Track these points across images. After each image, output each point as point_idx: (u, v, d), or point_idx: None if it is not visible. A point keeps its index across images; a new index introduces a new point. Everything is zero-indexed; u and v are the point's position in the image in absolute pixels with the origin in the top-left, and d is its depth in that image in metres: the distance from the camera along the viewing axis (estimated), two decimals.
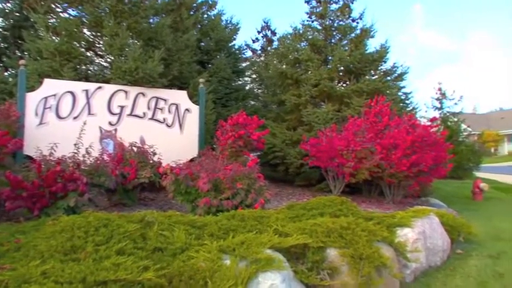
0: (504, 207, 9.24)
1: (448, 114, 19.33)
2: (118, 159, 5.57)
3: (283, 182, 9.19)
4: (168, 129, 7.11)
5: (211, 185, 4.58)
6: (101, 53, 7.70)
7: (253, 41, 21.67)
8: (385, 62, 9.69)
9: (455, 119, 19.00)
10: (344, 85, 9.44)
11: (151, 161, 5.88)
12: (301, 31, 10.00)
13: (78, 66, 7.22)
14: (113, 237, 2.87)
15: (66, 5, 7.58)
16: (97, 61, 7.76)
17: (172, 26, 8.34)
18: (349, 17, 9.88)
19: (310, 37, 9.78)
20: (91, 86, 6.75)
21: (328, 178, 7.44)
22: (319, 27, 9.93)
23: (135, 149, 5.97)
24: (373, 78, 9.24)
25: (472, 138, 25.42)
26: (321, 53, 9.49)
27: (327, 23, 9.81)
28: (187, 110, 7.25)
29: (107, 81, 7.00)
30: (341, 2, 9.88)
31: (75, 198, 4.30)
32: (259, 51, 20.59)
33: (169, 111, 7.16)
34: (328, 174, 7.39)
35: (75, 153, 5.01)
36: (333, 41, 9.82)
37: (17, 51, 8.41)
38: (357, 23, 9.91)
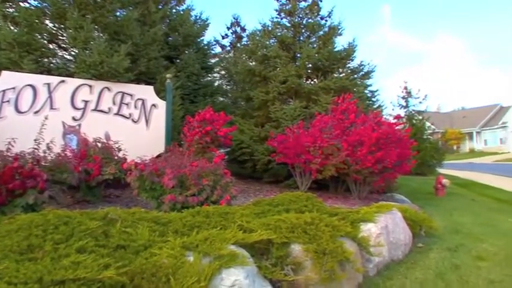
0: (464, 202, 9.63)
1: (413, 112, 19.94)
2: (81, 155, 5.42)
3: (251, 178, 9.20)
4: (134, 125, 6.98)
5: (177, 181, 4.52)
6: (64, 46, 7.43)
7: (223, 37, 21.63)
8: (352, 60, 9.86)
9: (420, 117, 19.61)
10: (312, 82, 9.52)
11: (116, 157, 5.74)
12: (270, 28, 10.03)
13: (39, 59, 6.94)
14: (74, 235, 2.79)
15: None
16: (60, 54, 7.49)
17: (139, 20, 8.16)
18: (318, 14, 9.98)
19: (279, 34, 9.81)
20: (53, 79, 6.52)
21: (295, 174, 7.50)
22: (288, 25, 9.97)
23: (99, 144, 5.82)
24: (341, 76, 9.39)
25: (435, 136, 26.29)
26: (290, 50, 9.55)
27: (296, 20, 9.86)
28: (154, 105, 7.13)
29: (71, 75, 6.77)
30: (310, 0, 9.94)
31: (35, 195, 4.14)
32: (229, 48, 20.53)
33: (135, 107, 7.02)
34: (296, 171, 7.46)
35: (35, 149, 4.80)
36: (301, 38, 9.89)
37: None
38: (326, 21, 10.04)
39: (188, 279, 2.43)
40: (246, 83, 10.39)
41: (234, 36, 21.52)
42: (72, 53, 7.29)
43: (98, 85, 6.77)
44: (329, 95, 8.62)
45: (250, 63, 10.03)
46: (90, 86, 6.71)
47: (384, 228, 4.53)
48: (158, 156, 6.35)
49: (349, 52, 9.62)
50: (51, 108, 6.40)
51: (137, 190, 4.77)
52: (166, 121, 7.09)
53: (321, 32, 9.86)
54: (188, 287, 2.41)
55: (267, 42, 9.77)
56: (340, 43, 10.19)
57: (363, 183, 7.44)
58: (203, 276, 2.47)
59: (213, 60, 12.33)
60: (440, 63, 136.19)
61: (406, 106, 20.03)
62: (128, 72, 7.05)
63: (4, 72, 6.21)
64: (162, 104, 7.17)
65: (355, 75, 9.69)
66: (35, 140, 4.89)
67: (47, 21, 7.19)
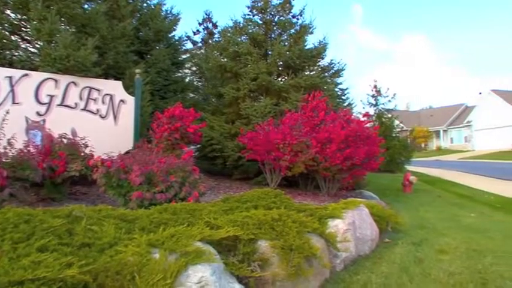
0: (430, 199, 9.93)
1: (382, 110, 20.32)
2: (46, 152, 5.25)
3: (222, 175, 9.18)
4: (101, 121, 6.82)
5: (144, 178, 4.46)
6: (28, 38, 7.17)
7: (194, 33, 21.47)
8: (323, 58, 9.99)
9: (389, 116, 20.02)
10: (283, 80, 9.58)
11: (82, 154, 5.60)
12: (242, 25, 10.01)
13: (1, 51, 6.69)
14: (35, 233, 2.69)
15: None
16: (23, 46, 7.22)
17: (108, 13, 7.95)
18: (290, 13, 10.04)
19: (250, 31, 9.81)
20: (16, 72, 6.27)
21: (266, 171, 7.53)
22: (260, 22, 9.99)
23: (65, 140, 5.65)
24: (311, 73, 9.49)
25: (404, 134, 26.92)
26: (261, 47, 9.56)
27: (268, 17, 9.89)
28: (122, 101, 6.99)
29: (35, 69, 6.54)
30: None
31: None
32: (200, 44, 20.36)
33: (103, 102, 6.86)
34: (265, 168, 7.49)
35: None
36: (273, 35, 9.93)
37: None
38: (297, 19, 10.11)
39: (154, 277, 2.40)
40: (217, 79, 10.34)
41: (205, 32, 21.37)
42: (37, 45, 7.05)
43: (64, 79, 6.56)
44: (299, 92, 8.68)
45: (222, 60, 9.98)
46: (55, 80, 6.50)
47: (351, 224, 4.61)
48: (127, 152, 6.23)
49: (319, 50, 9.72)
50: (14, 102, 6.15)
51: (104, 187, 4.68)
52: (135, 117, 6.95)
53: (293, 30, 9.92)
54: (154, 284, 2.38)
55: (239, 39, 9.74)
56: (311, 41, 10.27)
57: (332, 180, 7.55)
58: (169, 274, 2.45)
59: (184, 56, 12.20)
60: (410, 62, 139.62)
61: (376, 104, 20.40)
62: (95, 66, 6.86)
63: None
64: (130, 100, 7.02)
65: (326, 73, 9.82)
66: None
67: (9, 11, 6.91)
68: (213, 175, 8.97)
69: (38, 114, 6.33)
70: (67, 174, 5.22)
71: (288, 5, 9.95)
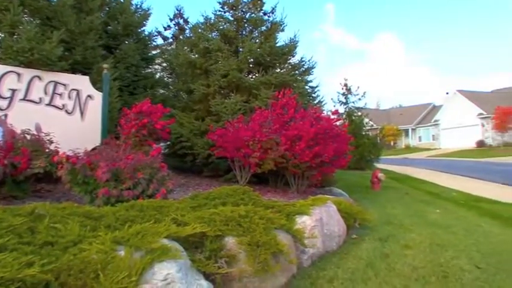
0: (397, 195, 10.17)
1: (352, 108, 20.64)
2: (7, 148, 5.06)
3: (191, 172, 9.12)
4: (67, 117, 6.64)
5: (111, 175, 4.39)
6: None
7: (165, 29, 21.24)
8: (293, 56, 10.04)
9: (359, 114, 20.36)
10: (253, 77, 9.57)
11: (47, 150, 5.44)
12: (212, 21, 9.95)
13: None
14: None
15: None
16: None
17: (75, 6, 7.73)
18: (261, 10, 10.05)
19: (221, 27, 9.76)
20: None
21: (235, 168, 7.53)
22: (231, 18, 9.95)
23: (28, 136, 5.48)
24: (282, 71, 9.51)
25: (374, 132, 27.46)
26: (232, 44, 9.54)
27: (239, 14, 9.86)
28: (89, 96, 6.82)
29: None
30: None
31: None
32: (171, 39, 20.14)
33: (69, 97, 6.68)
34: (235, 165, 7.49)
35: None
36: (244, 32, 9.92)
37: None
38: (269, 16, 10.13)
39: (118, 274, 2.38)
40: (188, 75, 10.24)
41: (176, 28, 21.16)
42: None
43: (28, 73, 6.34)
44: (270, 89, 8.70)
45: (192, 56, 9.91)
46: (18, 74, 6.27)
47: (319, 221, 4.67)
48: (94, 149, 6.11)
49: (290, 48, 9.78)
50: None
51: (69, 184, 4.57)
52: (103, 113, 6.80)
53: (264, 27, 9.94)
54: (118, 282, 2.36)
55: (210, 35, 9.69)
56: (282, 39, 10.33)
57: (302, 177, 7.62)
58: (134, 271, 2.43)
59: (154, 52, 12.03)
60: (381, 61, 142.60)
61: (346, 103, 20.69)
62: (61, 60, 6.68)
63: None
64: (98, 95, 6.87)
65: (296, 71, 9.88)
66: None
67: None
68: (183, 172, 8.90)
69: None
70: (30, 171, 5.06)
71: (259, 2, 9.96)
